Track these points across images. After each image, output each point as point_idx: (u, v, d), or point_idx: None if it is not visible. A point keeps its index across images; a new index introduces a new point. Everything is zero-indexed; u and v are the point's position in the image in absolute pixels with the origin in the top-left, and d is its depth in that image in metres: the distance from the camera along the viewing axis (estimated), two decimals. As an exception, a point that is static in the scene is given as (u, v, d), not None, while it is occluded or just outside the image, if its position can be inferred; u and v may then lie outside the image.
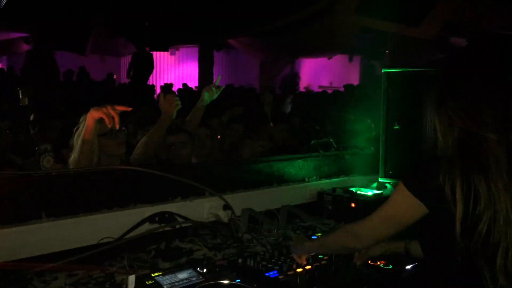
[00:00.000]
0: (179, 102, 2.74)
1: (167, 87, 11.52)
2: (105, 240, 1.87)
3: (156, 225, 2.04)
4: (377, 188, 2.70)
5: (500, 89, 1.26)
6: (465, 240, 1.24)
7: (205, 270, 1.53)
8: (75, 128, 2.32)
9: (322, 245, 1.65)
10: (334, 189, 2.66)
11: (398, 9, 8.13)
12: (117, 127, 2.19)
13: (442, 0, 8.14)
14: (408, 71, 2.63)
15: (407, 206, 1.36)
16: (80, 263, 1.73)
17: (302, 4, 9.09)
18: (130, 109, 2.26)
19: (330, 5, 8.93)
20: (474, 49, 1.37)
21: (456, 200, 1.24)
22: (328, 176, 2.88)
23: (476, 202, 1.22)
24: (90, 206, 1.93)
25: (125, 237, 1.94)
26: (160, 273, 1.48)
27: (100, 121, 2.19)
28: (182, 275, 1.50)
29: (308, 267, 1.62)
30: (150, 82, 14.08)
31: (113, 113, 2.14)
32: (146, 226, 2.02)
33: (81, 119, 2.29)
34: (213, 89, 3.07)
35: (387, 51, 11.08)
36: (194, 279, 1.49)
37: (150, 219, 2.04)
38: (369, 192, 2.62)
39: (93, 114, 2.18)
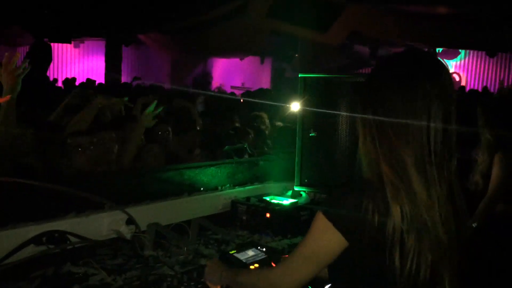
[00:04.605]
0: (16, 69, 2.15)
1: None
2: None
3: (43, 247, 1.73)
4: (292, 196, 2.60)
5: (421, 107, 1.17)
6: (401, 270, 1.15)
7: (100, 305, 1.29)
8: None
9: (239, 284, 1.46)
10: (248, 198, 2.51)
11: (307, 15, 8.34)
12: None
13: (348, 9, 8.51)
14: (325, 77, 2.57)
15: (329, 240, 1.21)
16: None
17: (214, 3, 8.95)
18: None
19: (242, 7, 8.91)
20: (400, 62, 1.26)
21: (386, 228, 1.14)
22: (242, 183, 2.74)
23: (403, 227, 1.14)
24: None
25: (2, 264, 1.62)
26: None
27: None
28: (71, 314, 1.24)
29: (221, 294, 1.45)
30: (50, 75, 13.01)
31: None
32: (31, 249, 1.70)
33: None
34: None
35: (296, 55, 11.35)
36: (85, 317, 1.24)
37: (36, 240, 1.72)
38: (285, 201, 2.51)
39: None
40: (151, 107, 2.78)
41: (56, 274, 1.67)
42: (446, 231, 1.18)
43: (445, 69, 1.22)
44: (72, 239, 1.82)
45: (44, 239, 1.74)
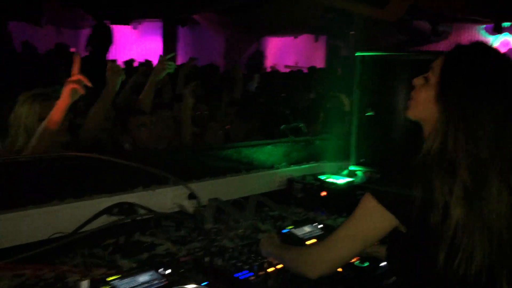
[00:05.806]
0: (122, 72, 2.58)
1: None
2: (56, 235, 1.69)
3: (114, 218, 1.87)
4: (347, 176, 2.62)
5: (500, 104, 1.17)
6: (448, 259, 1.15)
7: (168, 272, 1.40)
8: (15, 108, 2.11)
9: (282, 259, 1.51)
10: (304, 177, 2.56)
11: (363, -11, 8.06)
12: (82, 92, 2.01)
13: (407, -18, 8.12)
14: (383, 55, 2.53)
15: (376, 220, 1.22)
16: (27, 261, 1.56)
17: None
18: (89, 84, 2.08)
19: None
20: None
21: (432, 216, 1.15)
22: (298, 162, 2.78)
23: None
24: (40, 198, 1.74)
25: (79, 232, 1.77)
26: (118, 276, 1.33)
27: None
28: (143, 278, 1.35)
29: (280, 266, 1.52)
30: (111, 57, 13.52)
31: (82, 78, 1.98)
32: (104, 219, 1.85)
33: (19, 98, 2.08)
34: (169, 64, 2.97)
35: (351, 32, 11.05)
36: (156, 282, 1.36)
37: (108, 210, 1.87)
38: (340, 180, 2.53)
39: (70, 87, 1.98)
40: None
41: (127, 242, 1.81)
42: (508, 237, 1.17)
43: None
44: (140, 210, 1.96)
45: (115, 210, 1.88)
